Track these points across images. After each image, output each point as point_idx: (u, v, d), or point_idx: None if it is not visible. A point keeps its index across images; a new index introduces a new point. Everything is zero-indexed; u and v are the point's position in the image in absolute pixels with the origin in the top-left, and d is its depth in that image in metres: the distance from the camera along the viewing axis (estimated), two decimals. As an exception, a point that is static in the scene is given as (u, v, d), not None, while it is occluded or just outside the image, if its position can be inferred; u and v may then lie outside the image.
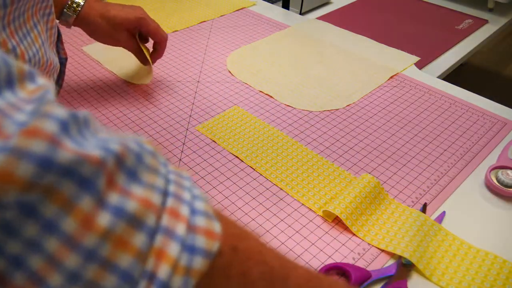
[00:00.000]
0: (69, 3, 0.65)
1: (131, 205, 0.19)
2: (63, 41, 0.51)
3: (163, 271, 0.19)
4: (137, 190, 0.19)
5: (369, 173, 0.62)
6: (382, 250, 0.52)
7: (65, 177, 0.17)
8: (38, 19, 0.38)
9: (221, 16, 1.05)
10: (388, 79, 0.83)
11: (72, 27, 0.66)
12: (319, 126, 0.71)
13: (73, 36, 0.95)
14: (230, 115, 0.73)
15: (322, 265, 0.50)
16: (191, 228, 0.20)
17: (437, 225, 0.54)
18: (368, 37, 0.97)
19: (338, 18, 1.09)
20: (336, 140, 0.68)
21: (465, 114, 0.74)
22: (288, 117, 0.73)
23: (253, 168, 0.63)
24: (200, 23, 1.02)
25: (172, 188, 0.21)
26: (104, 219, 0.18)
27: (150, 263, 0.19)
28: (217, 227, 0.21)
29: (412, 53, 0.92)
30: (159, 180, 0.20)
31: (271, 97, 0.78)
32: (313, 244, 0.53)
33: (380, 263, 0.51)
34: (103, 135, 0.20)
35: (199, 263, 0.20)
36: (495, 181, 0.60)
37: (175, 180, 0.22)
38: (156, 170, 0.21)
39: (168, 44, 0.85)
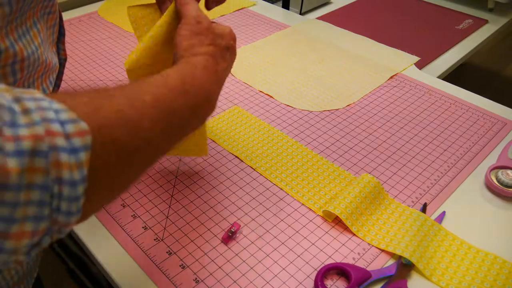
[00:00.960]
0: None
1: (25, 145, 0.25)
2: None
3: (64, 174, 0.26)
4: (24, 132, 0.25)
5: (369, 173, 0.62)
6: (382, 250, 0.52)
7: None
8: (38, 18, 0.38)
9: (221, 16, 1.05)
10: (388, 79, 0.83)
11: None
12: (319, 126, 0.71)
13: (73, 36, 0.95)
14: (230, 115, 0.73)
15: (322, 265, 0.50)
16: (67, 136, 0.27)
17: (437, 225, 0.54)
18: (368, 37, 0.97)
19: (338, 18, 1.09)
20: (336, 140, 0.68)
21: (465, 114, 0.74)
22: (288, 117, 0.73)
23: (253, 168, 0.63)
24: (200, 23, 1.02)
25: (39, 115, 0.26)
26: (13, 163, 0.24)
27: (53, 173, 0.26)
28: (83, 125, 0.27)
29: (412, 53, 0.92)
30: (33, 115, 0.26)
31: (271, 97, 0.78)
32: (313, 244, 0.53)
33: (380, 263, 0.51)
34: None
35: (83, 155, 0.27)
36: (495, 181, 0.60)
37: (37, 107, 0.27)
38: (26, 110, 0.26)
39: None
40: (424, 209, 0.57)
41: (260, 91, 0.79)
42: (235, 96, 0.78)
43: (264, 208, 0.57)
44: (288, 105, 0.76)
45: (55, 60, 0.42)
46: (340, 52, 0.91)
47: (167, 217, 0.56)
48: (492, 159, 0.65)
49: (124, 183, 0.33)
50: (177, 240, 0.53)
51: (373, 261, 0.51)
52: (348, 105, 0.76)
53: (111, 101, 0.31)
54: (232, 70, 0.85)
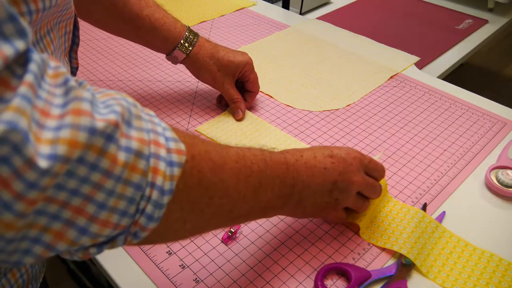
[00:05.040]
0: (182, 42, 0.68)
1: (134, 144, 0.28)
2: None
3: (158, 180, 0.30)
4: (134, 134, 0.29)
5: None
6: (383, 250, 0.52)
7: (100, 136, 0.26)
8: (51, 27, 0.38)
9: (221, 16, 1.05)
10: (388, 79, 0.83)
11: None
12: (319, 126, 0.71)
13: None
14: (230, 115, 0.73)
15: (322, 265, 0.50)
16: (168, 151, 0.31)
17: (434, 222, 0.54)
18: (368, 37, 0.97)
19: (338, 18, 1.09)
20: (336, 140, 0.68)
21: (465, 114, 0.74)
22: (288, 117, 0.73)
23: (253, 168, 0.63)
24: (200, 23, 1.02)
25: (150, 126, 0.31)
26: (122, 156, 0.27)
27: (150, 177, 0.29)
28: (182, 146, 0.32)
29: (412, 53, 0.92)
30: (143, 123, 0.30)
31: (271, 97, 0.78)
32: (313, 244, 0.53)
33: (380, 263, 0.51)
34: (103, 98, 0.29)
35: (177, 171, 0.31)
36: (495, 181, 0.60)
37: (149, 120, 0.31)
38: (139, 116, 0.30)
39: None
40: (424, 209, 0.57)
41: (261, 91, 0.79)
42: (235, 96, 0.78)
43: (264, 208, 0.57)
44: (288, 105, 0.76)
45: (66, 68, 0.43)
46: (340, 52, 0.91)
47: (167, 217, 0.56)
48: (492, 159, 0.65)
49: (195, 222, 0.36)
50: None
51: (373, 261, 0.51)
52: (348, 105, 0.76)
53: (203, 143, 0.36)
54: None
